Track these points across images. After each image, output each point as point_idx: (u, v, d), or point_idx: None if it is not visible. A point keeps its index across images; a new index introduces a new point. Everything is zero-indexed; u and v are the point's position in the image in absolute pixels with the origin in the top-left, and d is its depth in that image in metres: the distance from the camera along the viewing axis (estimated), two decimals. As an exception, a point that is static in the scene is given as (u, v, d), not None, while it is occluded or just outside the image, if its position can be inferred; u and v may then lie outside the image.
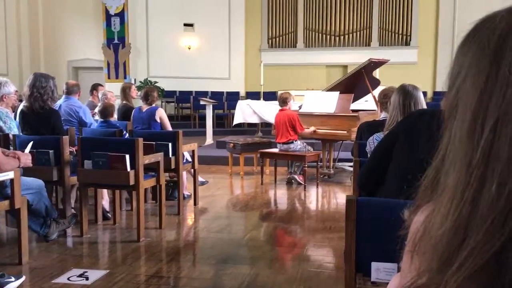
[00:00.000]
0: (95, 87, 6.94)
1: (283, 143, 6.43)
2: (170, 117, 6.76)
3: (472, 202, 0.51)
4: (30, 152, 3.63)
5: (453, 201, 0.53)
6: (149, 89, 5.82)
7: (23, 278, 3.19)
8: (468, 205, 0.51)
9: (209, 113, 10.35)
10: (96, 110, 5.47)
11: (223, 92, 14.34)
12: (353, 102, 7.01)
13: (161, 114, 5.61)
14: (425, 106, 2.74)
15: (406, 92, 2.65)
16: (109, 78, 13.74)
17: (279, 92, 6.86)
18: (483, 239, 0.49)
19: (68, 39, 14.75)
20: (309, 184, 6.56)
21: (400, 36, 14.48)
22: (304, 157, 6.24)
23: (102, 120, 5.19)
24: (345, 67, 14.01)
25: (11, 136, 4.32)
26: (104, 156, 4.04)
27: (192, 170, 5.48)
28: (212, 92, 14.10)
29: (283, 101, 6.45)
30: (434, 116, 1.81)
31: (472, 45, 0.56)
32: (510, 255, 0.47)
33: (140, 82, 13.62)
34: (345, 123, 6.56)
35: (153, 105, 5.67)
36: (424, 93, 11.25)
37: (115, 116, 5.47)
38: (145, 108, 5.62)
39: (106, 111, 5.17)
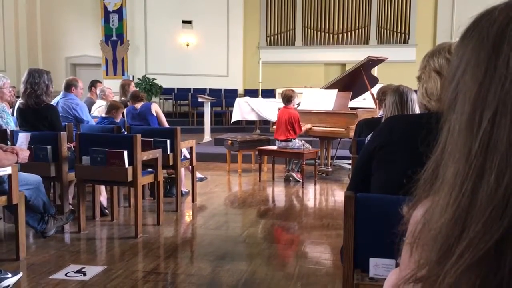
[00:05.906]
0: (93, 84, 6.92)
1: (282, 141, 6.44)
2: (168, 114, 6.78)
3: (471, 193, 0.51)
4: (28, 148, 3.63)
5: (452, 193, 0.53)
6: (136, 91, 6.01)
7: (20, 274, 3.19)
8: (467, 196, 0.51)
9: (207, 110, 10.34)
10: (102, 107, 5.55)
11: (221, 89, 14.32)
12: (351, 100, 7.02)
13: (156, 108, 5.76)
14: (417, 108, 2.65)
15: (401, 92, 2.66)
16: (107, 75, 13.71)
17: (283, 90, 6.81)
18: (482, 229, 0.49)
19: (66, 35, 14.72)
20: (307, 182, 6.56)
21: (399, 34, 14.49)
22: (302, 155, 6.25)
23: (104, 116, 5.25)
24: (343, 65, 14.01)
25: (8, 131, 4.31)
26: (102, 152, 4.03)
27: (190, 167, 5.48)
28: (210, 89, 14.09)
29: (288, 100, 6.43)
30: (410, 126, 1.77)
31: (472, 38, 0.57)
32: (509, 245, 0.48)
33: (138, 79, 13.59)
34: (343, 120, 6.57)
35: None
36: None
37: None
38: (139, 105, 5.67)
39: (110, 108, 5.21)
